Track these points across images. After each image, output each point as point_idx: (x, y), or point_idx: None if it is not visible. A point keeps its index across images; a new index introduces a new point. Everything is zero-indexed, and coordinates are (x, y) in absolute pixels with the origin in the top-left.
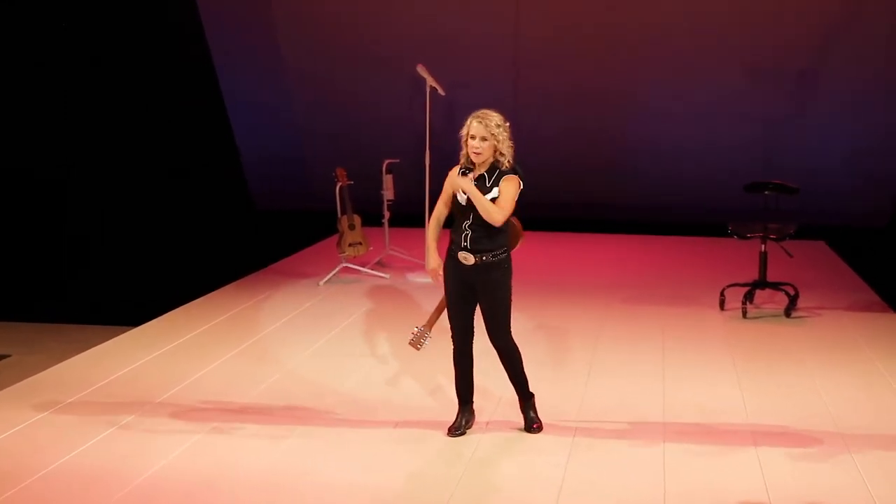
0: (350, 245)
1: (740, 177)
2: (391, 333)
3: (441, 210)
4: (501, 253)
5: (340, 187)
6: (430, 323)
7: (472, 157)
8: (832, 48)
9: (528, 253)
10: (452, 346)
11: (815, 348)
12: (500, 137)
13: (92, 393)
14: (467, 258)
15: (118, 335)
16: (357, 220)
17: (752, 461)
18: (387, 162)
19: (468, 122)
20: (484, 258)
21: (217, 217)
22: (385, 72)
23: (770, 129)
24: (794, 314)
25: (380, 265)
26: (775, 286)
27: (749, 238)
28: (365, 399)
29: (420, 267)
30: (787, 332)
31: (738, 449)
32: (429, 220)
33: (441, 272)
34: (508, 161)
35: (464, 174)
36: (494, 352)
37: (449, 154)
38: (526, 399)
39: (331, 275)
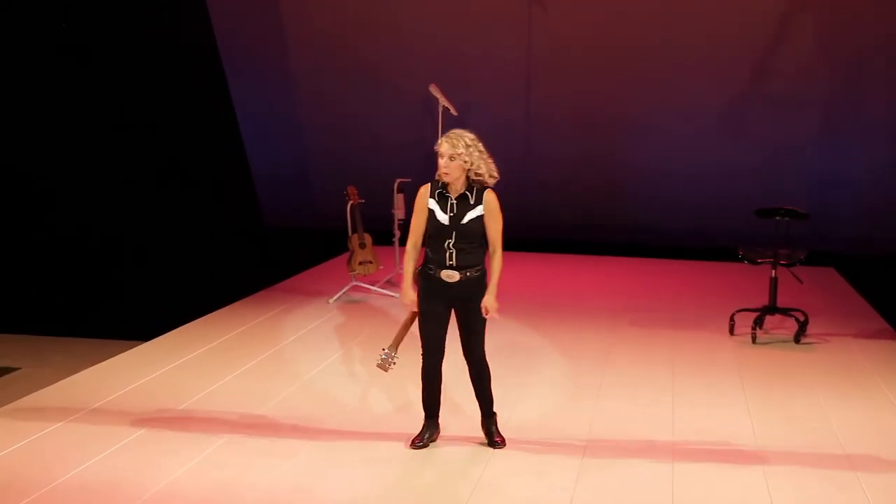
0: (360, 263)
1: (751, 202)
2: (400, 352)
3: (419, 235)
4: (480, 268)
5: (351, 206)
6: (396, 343)
7: (442, 177)
8: (843, 75)
9: (537, 274)
10: (422, 364)
11: (824, 374)
12: (471, 157)
13: (101, 407)
14: (452, 276)
15: (128, 350)
16: (368, 238)
17: (761, 485)
18: (398, 181)
19: (440, 140)
20: (468, 273)
21: (228, 234)
22: (397, 91)
23: (781, 155)
24: (803, 340)
25: (389, 284)
26: (785, 312)
27: (759, 263)
28: (374, 416)
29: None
30: (797, 358)
31: (747, 472)
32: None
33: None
34: (491, 175)
35: (441, 193)
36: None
37: None
38: (489, 416)
39: (341, 293)
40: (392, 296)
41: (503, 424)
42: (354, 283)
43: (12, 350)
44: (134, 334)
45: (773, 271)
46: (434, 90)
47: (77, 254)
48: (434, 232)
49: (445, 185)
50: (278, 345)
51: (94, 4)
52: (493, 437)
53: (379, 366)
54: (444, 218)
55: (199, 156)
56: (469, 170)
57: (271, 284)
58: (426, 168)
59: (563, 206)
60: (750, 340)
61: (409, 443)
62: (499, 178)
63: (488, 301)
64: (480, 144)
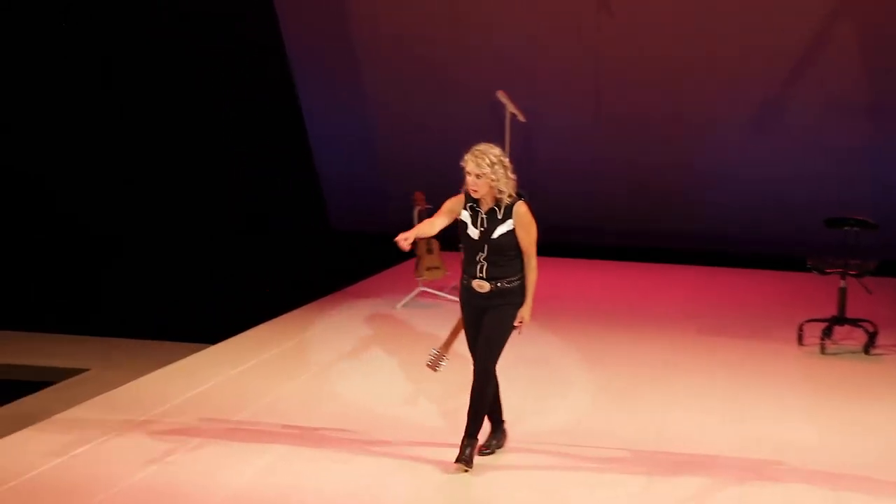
0: (428, 269)
1: (820, 211)
2: (466, 358)
3: (437, 223)
4: (516, 280)
5: (419, 211)
6: (447, 346)
7: (471, 194)
8: None
9: (604, 282)
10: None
11: (894, 386)
12: (497, 175)
13: (167, 410)
14: (482, 286)
15: (195, 353)
16: (435, 244)
17: (830, 501)
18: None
19: (465, 156)
20: (499, 284)
21: (296, 238)
22: (464, 97)
23: (851, 163)
24: (872, 351)
25: (457, 290)
26: (854, 322)
27: (828, 273)
28: (434, 423)
29: None
30: (866, 369)
31: (815, 489)
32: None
33: (404, 241)
34: (509, 195)
35: (472, 207)
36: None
37: (526, 181)
38: (472, 436)
39: (408, 298)
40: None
41: (572, 428)
42: (422, 289)
43: (83, 351)
44: (201, 337)
45: (843, 281)
46: (502, 96)
47: (147, 257)
48: (466, 245)
49: (476, 199)
50: (344, 350)
51: (161, 6)
52: (464, 460)
53: (428, 365)
54: (474, 232)
55: (267, 160)
56: (493, 186)
57: (339, 289)
58: None
59: (629, 212)
60: (818, 351)
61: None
62: (522, 196)
63: (523, 311)
64: (506, 160)
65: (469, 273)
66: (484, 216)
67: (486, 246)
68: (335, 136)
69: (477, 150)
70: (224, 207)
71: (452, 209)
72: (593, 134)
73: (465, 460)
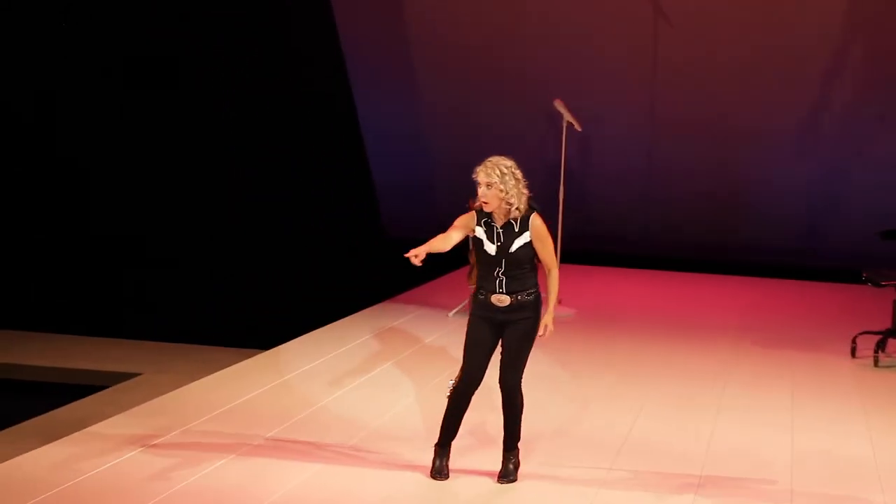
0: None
1: (876, 222)
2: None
3: (452, 236)
4: (533, 291)
5: None
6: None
7: (483, 207)
8: None
9: (658, 291)
10: (455, 387)
11: None
12: (506, 186)
13: (217, 416)
14: (502, 300)
15: (246, 358)
16: None
17: None
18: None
19: (476, 168)
20: (518, 297)
21: (349, 244)
22: (520, 104)
23: None
24: None
25: None
26: None
27: (884, 286)
28: (483, 434)
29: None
30: None
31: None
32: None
33: (415, 258)
34: (517, 209)
35: (486, 222)
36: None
37: (581, 190)
38: (511, 449)
39: (460, 306)
40: None
41: (624, 437)
42: None
43: (136, 355)
44: (254, 343)
45: None
46: (559, 105)
47: (203, 263)
48: (483, 261)
49: (490, 214)
50: (395, 357)
51: (218, 13)
52: (507, 476)
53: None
54: (491, 248)
55: (322, 166)
56: (502, 199)
57: (392, 296)
58: (547, 183)
59: (684, 221)
60: (872, 363)
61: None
62: (535, 209)
63: (547, 319)
64: (518, 172)
65: (487, 288)
66: (500, 231)
67: (503, 260)
68: (390, 142)
69: (488, 161)
70: (279, 213)
71: (466, 224)
72: (649, 143)
73: (509, 477)
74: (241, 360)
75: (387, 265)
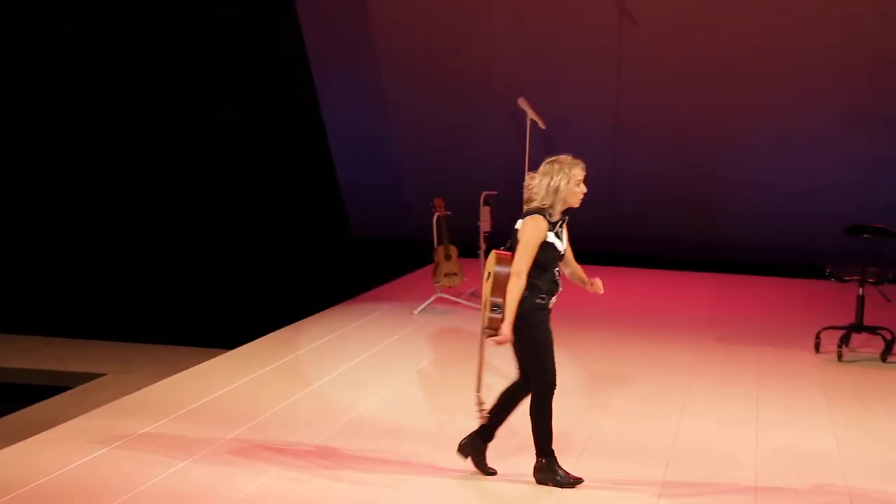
0: (445, 275)
1: (839, 219)
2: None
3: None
4: None
5: (438, 217)
6: (479, 387)
7: (574, 204)
8: None
9: (623, 289)
10: (547, 395)
11: None
12: (535, 182)
13: (181, 416)
14: (554, 301)
15: (212, 358)
16: (453, 250)
17: None
18: (484, 194)
19: (575, 168)
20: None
21: (315, 243)
22: (485, 104)
23: (870, 172)
24: (890, 359)
25: (474, 296)
26: (872, 330)
27: (847, 281)
28: (451, 433)
29: None
30: (883, 376)
31: (831, 500)
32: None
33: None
34: (535, 205)
35: (550, 223)
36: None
37: None
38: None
39: (425, 304)
40: (477, 308)
41: (589, 434)
42: (439, 295)
43: (100, 356)
44: (219, 342)
45: (861, 289)
46: (523, 104)
47: (167, 262)
48: (551, 262)
49: (550, 214)
50: (362, 356)
51: (182, 12)
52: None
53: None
54: (560, 246)
55: (287, 166)
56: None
57: (357, 294)
58: (512, 181)
59: (650, 220)
60: (836, 358)
61: (568, 478)
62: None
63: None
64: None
65: (548, 291)
66: (560, 228)
67: (561, 258)
68: (356, 142)
69: (572, 158)
70: (245, 213)
71: (544, 237)
72: (614, 142)
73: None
74: (206, 360)
75: (353, 264)
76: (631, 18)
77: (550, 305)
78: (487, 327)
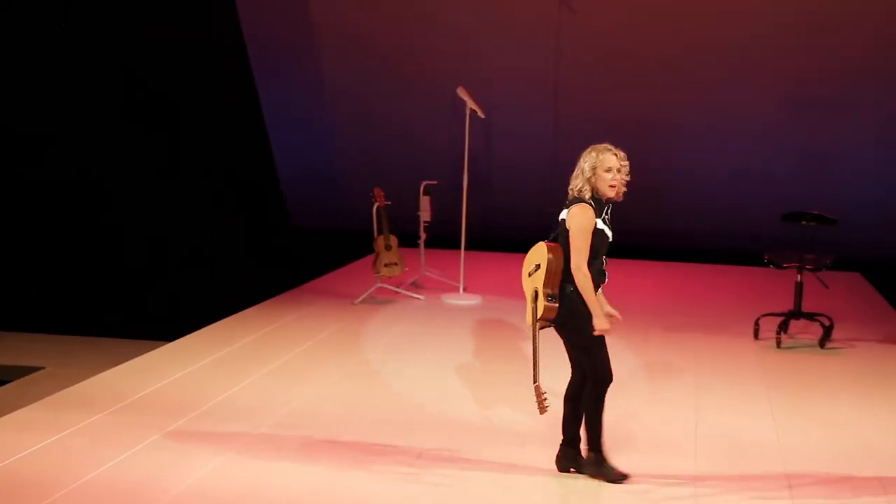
0: (386, 265)
1: (778, 206)
2: (424, 355)
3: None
4: None
5: (378, 207)
6: (536, 378)
7: (610, 193)
8: (869, 79)
9: None
10: (601, 389)
11: (848, 380)
12: (625, 171)
13: (124, 407)
14: (600, 292)
15: (151, 350)
16: (393, 240)
17: (784, 495)
18: (424, 183)
19: (606, 154)
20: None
21: (254, 234)
22: (425, 93)
23: (808, 160)
24: (828, 345)
25: (415, 286)
26: (810, 316)
27: (785, 268)
28: (393, 422)
29: (453, 288)
30: (821, 362)
31: (771, 486)
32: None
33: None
34: (572, 191)
35: (602, 212)
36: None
37: (486, 176)
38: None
39: (366, 294)
40: (417, 297)
41: (529, 424)
42: (380, 285)
43: (37, 349)
44: (159, 334)
45: (799, 276)
46: (462, 93)
47: (105, 253)
48: (601, 250)
49: (599, 201)
50: (302, 346)
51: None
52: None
53: (541, 409)
54: (610, 234)
55: (226, 156)
56: (624, 183)
57: (297, 285)
58: (453, 171)
59: None
60: (775, 345)
61: (617, 472)
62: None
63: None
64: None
65: (596, 282)
66: (608, 216)
67: (609, 245)
68: (295, 132)
69: (606, 146)
70: (181, 204)
71: (593, 225)
72: (554, 131)
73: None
74: (145, 352)
75: (293, 254)
76: (570, 8)
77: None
78: (542, 318)
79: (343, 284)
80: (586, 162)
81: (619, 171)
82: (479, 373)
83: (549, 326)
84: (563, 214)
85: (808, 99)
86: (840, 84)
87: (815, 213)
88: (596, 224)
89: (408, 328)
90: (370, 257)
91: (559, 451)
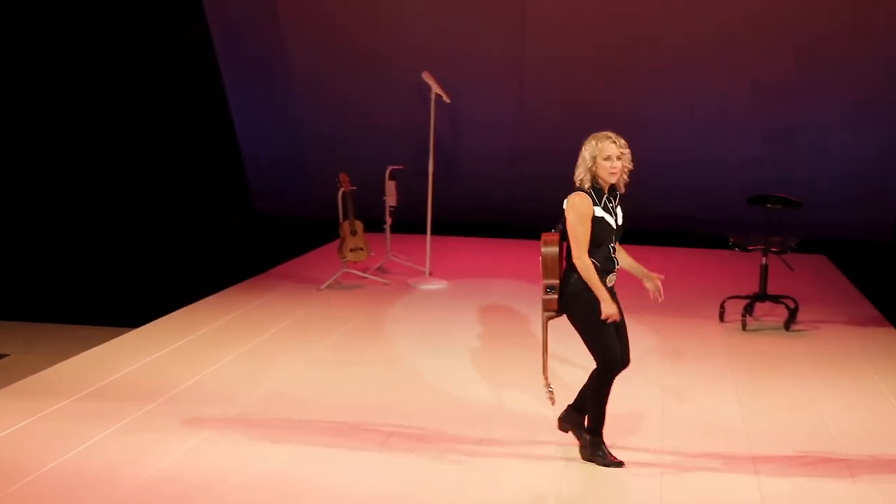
0: (351, 250)
1: (742, 189)
2: (391, 339)
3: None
4: None
5: (343, 193)
6: (546, 370)
7: (610, 179)
8: (832, 62)
9: (527, 260)
10: (608, 376)
11: (813, 362)
12: (627, 158)
13: (90, 394)
14: (612, 279)
15: (117, 336)
16: (359, 225)
17: (751, 484)
18: (390, 168)
19: (604, 143)
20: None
21: (219, 220)
22: (390, 78)
23: (772, 143)
24: (793, 327)
25: (381, 271)
26: (775, 299)
27: (750, 251)
28: (361, 406)
29: (420, 273)
30: (786, 345)
31: (737, 467)
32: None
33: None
34: (576, 180)
35: (602, 199)
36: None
37: (452, 161)
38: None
39: (331, 280)
40: (383, 282)
41: (496, 405)
42: (345, 270)
43: (1, 337)
44: (124, 321)
45: (764, 259)
46: (427, 77)
47: (67, 241)
48: (605, 238)
49: (599, 190)
50: (268, 332)
51: None
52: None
53: (552, 400)
54: (612, 221)
55: (190, 142)
56: (624, 170)
57: (262, 271)
58: (418, 155)
59: (556, 194)
60: (740, 327)
61: (610, 458)
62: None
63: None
64: (593, 143)
65: (604, 269)
66: (613, 204)
67: (616, 234)
68: (259, 118)
69: (606, 134)
70: (146, 189)
71: (590, 212)
72: (516, 118)
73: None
74: (111, 339)
75: (257, 241)
76: None
77: (609, 284)
78: (543, 309)
79: (309, 270)
80: (587, 150)
81: (618, 158)
82: (447, 356)
83: (557, 316)
84: (565, 204)
85: (773, 83)
86: (805, 68)
87: (780, 195)
88: (594, 212)
89: (374, 313)
90: (336, 242)
91: (564, 411)
